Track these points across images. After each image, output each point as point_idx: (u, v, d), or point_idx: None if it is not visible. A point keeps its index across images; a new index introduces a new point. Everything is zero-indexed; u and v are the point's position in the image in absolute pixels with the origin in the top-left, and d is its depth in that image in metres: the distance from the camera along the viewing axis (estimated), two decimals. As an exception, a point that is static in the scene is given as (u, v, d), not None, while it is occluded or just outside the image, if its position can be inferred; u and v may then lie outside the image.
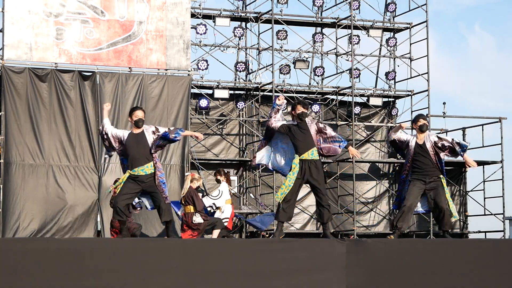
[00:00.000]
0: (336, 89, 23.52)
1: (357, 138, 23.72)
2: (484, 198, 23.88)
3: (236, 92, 22.83)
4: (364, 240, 11.34)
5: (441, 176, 12.54)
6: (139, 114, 11.92)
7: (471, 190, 24.39)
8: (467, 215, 24.58)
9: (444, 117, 24.11)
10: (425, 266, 11.39)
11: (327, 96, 23.61)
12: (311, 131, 12.16)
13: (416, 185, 12.45)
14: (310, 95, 23.33)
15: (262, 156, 12.58)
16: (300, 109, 12.17)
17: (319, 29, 23.72)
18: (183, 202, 14.69)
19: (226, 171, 15.90)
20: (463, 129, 24.46)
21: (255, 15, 22.59)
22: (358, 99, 23.72)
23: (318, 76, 23.34)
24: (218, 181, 15.71)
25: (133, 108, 12.36)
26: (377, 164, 24.06)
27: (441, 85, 50.83)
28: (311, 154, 12.05)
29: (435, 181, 12.49)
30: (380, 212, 23.87)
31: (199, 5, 21.87)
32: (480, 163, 23.95)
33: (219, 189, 15.46)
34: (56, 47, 19.54)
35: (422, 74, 23.67)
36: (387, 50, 24.38)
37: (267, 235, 21.93)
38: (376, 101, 23.87)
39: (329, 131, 12.28)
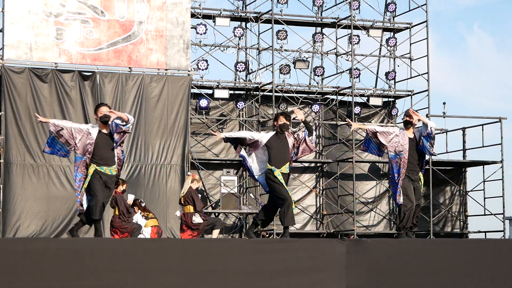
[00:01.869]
0: (336, 89, 23.52)
1: (357, 138, 23.71)
2: (484, 198, 23.88)
3: (236, 92, 22.82)
4: (364, 240, 11.34)
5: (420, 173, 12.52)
6: (104, 110, 11.27)
7: (471, 190, 24.39)
8: (467, 215, 24.58)
9: (444, 117, 24.12)
10: (425, 266, 11.39)
11: (327, 96, 23.61)
12: (289, 144, 12.06)
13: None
14: (310, 95, 23.33)
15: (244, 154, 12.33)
16: (282, 120, 11.98)
17: (319, 29, 23.72)
18: (182, 202, 14.71)
19: (139, 201, 16.16)
20: (463, 129, 24.46)
21: (255, 15, 22.59)
22: (358, 99, 23.73)
23: (318, 76, 23.34)
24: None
25: (99, 104, 11.69)
26: (377, 164, 24.05)
27: (441, 85, 50.81)
28: (287, 168, 12.01)
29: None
30: (380, 212, 23.87)
31: (199, 5, 21.87)
32: (480, 163, 23.98)
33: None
34: (56, 47, 19.54)
35: (422, 74, 23.66)
36: (387, 50, 24.38)
37: (267, 235, 21.95)
38: (376, 101, 23.87)
39: (301, 134, 12.16)
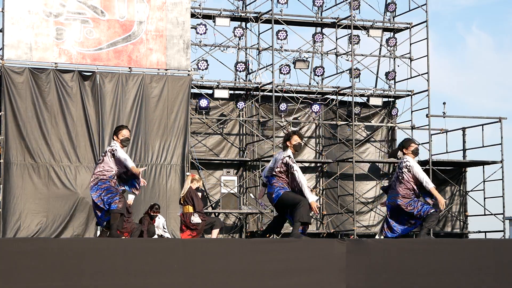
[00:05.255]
0: (336, 89, 23.52)
1: (357, 138, 23.72)
2: (484, 198, 23.89)
3: (236, 92, 22.83)
4: (364, 240, 11.33)
5: None
6: (125, 133, 11.44)
7: (471, 190, 24.40)
8: (467, 215, 24.58)
9: (444, 117, 24.14)
10: (425, 266, 11.38)
11: (327, 96, 23.61)
12: None
13: None
14: (310, 95, 23.34)
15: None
16: (296, 139, 11.22)
17: (319, 29, 23.73)
18: (182, 202, 14.70)
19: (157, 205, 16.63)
20: (463, 129, 24.47)
21: (255, 15, 22.59)
22: (358, 99, 23.75)
23: (318, 76, 23.35)
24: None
25: (121, 126, 11.69)
26: (377, 164, 24.06)
27: (441, 85, 50.85)
28: None
29: None
30: (380, 212, 23.87)
31: (199, 5, 21.88)
32: (480, 163, 23.98)
33: (162, 224, 16.32)
34: (56, 47, 19.54)
35: (422, 74, 23.67)
36: (387, 50, 24.39)
37: (267, 235, 21.91)
38: (376, 101, 23.89)
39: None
